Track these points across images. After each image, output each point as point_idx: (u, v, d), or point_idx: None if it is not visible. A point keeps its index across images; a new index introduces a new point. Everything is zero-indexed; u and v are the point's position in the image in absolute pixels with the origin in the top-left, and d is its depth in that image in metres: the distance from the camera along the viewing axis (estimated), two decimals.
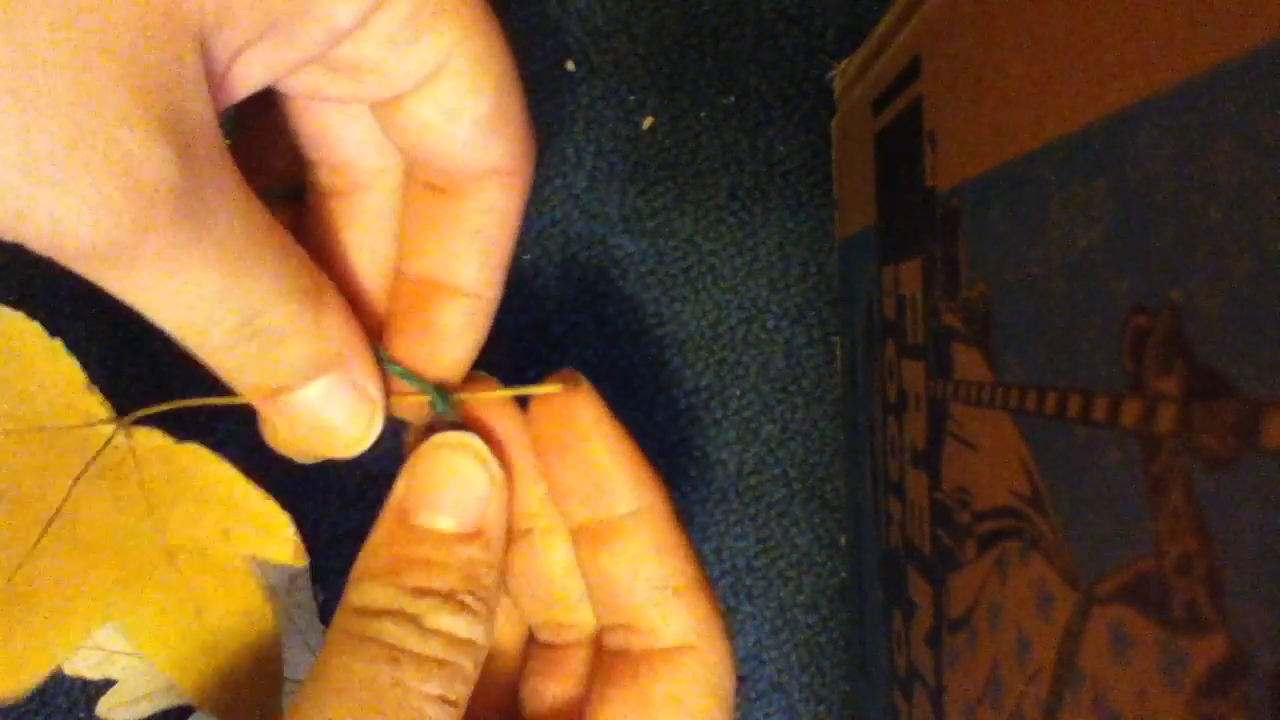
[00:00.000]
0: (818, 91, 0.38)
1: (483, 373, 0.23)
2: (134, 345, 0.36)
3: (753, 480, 0.39)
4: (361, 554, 0.21)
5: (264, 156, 0.22)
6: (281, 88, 0.20)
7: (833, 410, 0.39)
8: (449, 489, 0.21)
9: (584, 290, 0.38)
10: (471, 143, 0.20)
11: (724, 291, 0.38)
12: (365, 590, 0.20)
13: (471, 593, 0.21)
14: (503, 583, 0.23)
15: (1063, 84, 0.18)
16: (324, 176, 0.22)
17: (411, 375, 0.22)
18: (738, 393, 0.38)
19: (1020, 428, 0.20)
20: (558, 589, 0.24)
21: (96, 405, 0.26)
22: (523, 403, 0.23)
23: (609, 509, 0.22)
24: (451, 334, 0.22)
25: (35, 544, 0.27)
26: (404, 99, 0.19)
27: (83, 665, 0.35)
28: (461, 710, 0.20)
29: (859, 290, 0.34)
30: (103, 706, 0.36)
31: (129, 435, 0.27)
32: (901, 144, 0.28)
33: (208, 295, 0.17)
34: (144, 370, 0.37)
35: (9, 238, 0.15)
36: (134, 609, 0.29)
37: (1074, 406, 0.18)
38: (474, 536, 0.21)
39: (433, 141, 0.20)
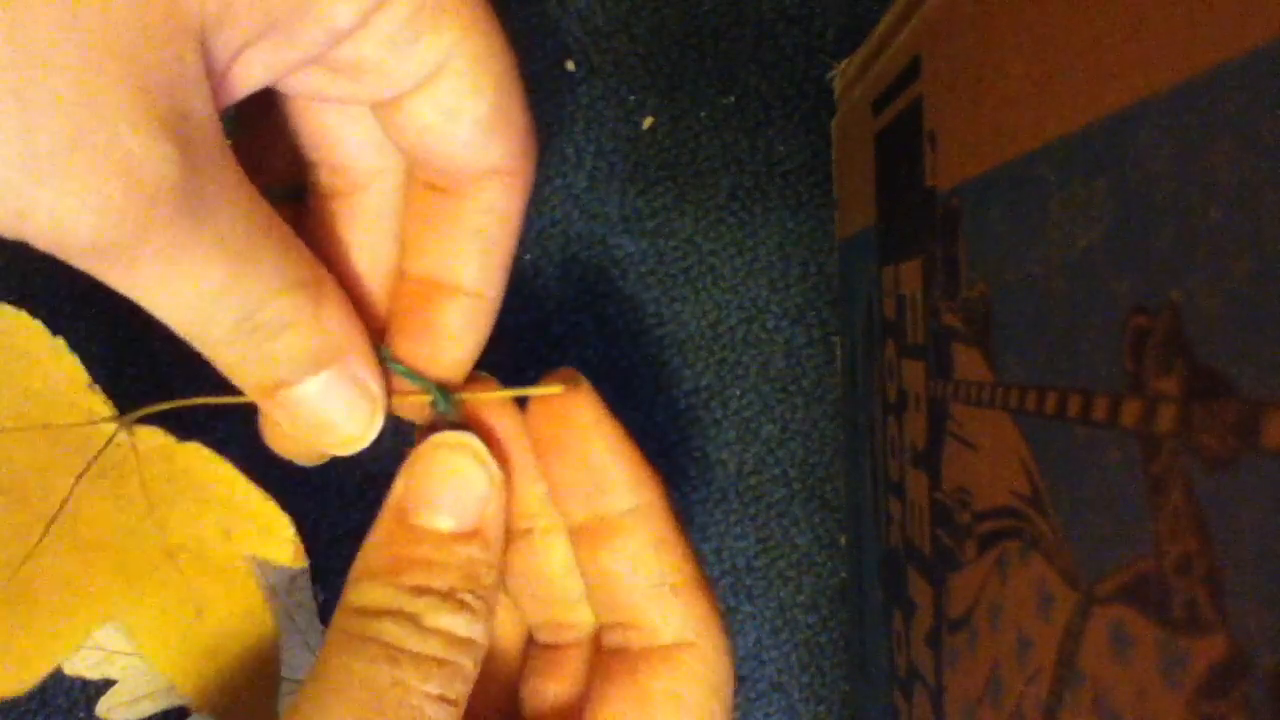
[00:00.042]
0: (818, 91, 0.38)
1: (483, 373, 0.23)
2: (135, 345, 0.36)
3: (753, 480, 0.39)
4: (360, 554, 0.21)
5: (264, 156, 0.22)
6: (282, 88, 0.20)
7: (833, 410, 0.39)
8: (448, 488, 0.21)
9: (584, 290, 0.38)
10: (472, 143, 0.20)
11: (724, 291, 0.38)
12: (364, 590, 0.20)
13: (471, 591, 0.21)
14: (502, 582, 0.23)
15: (1063, 84, 0.18)
16: (324, 177, 0.22)
17: (413, 374, 0.22)
18: (738, 393, 0.38)
19: (1020, 428, 0.20)
20: (557, 588, 0.24)
21: (98, 404, 0.26)
22: (521, 402, 0.23)
23: (608, 507, 0.22)
24: (453, 333, 0.22)
25: (37, 543, 0.27)
26: (404, 99, 0.19)
27: (83, 665, 0.35)
28: (461, 709, 0.20)
29: (859, 290, 0.34)
30: (103, 706, 0.36)
31: (130, 434, 0.27)
32: (901, 144, 0.28)
33: (209, 290, 0.17)
34: (145, 370, 0.37)
35: (11, 235, 0.15)
36: (134, 609, 0.29)
37: (1074, 406, 0.18)
38: (473, 535, 0.21)
39: (433, 141, 0.20)
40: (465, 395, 0.23)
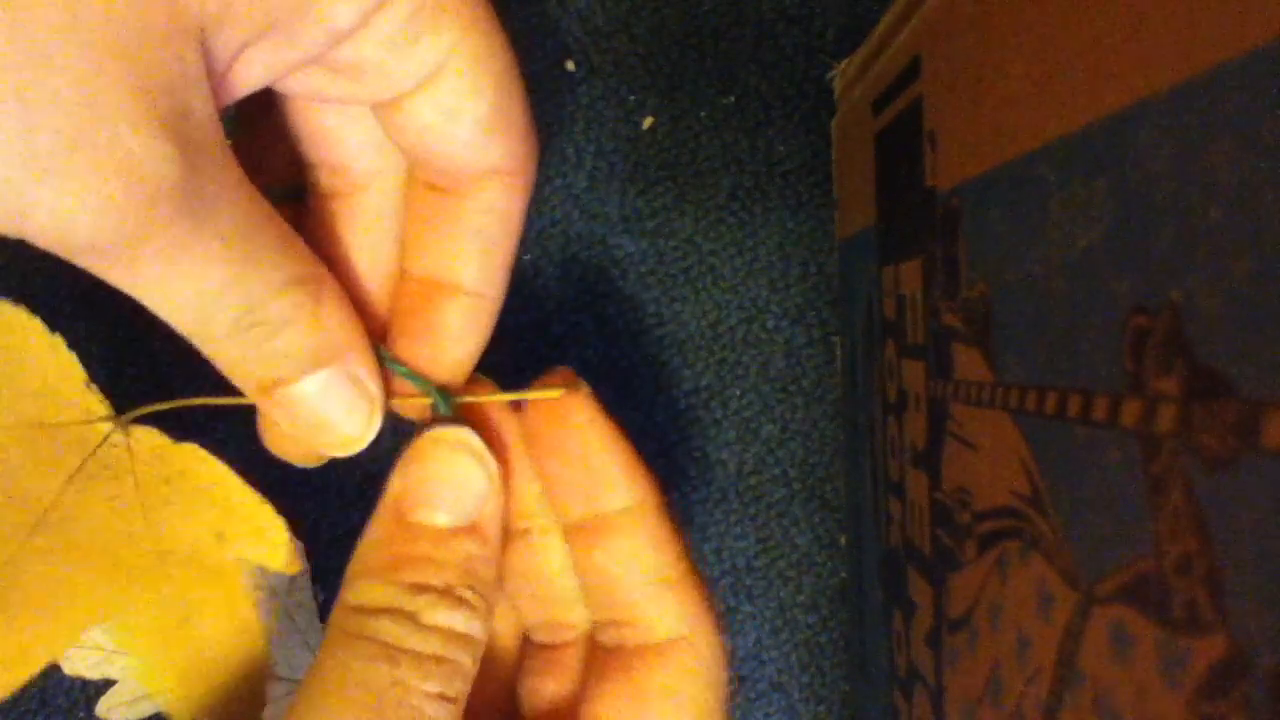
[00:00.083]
0: (818, 91, 0.38)
1: (480, 375, 0.23)
2: (135, 344, 0.36)
3: (753, 480, 0.39)
4: (357, 551, 0.21)
5: (264, 156, 0.22)
6: (282, 88, 0.20)
7: (833, 410, 0.39)
8: (445, 484, 0.21)
9: (584, 290, 0.38)
10: (472, 143, 0.20)
11: (724, 291, 0.38)
12: (362, 588, 0.20)
13: (469, 587, 0.21)
14: (501, 580, 0.23)
15: (1063, 84, 0.18)
16: (324, 178, 0.22)
17: (413, 374, 0.22)
18: (738, 393, 0.38)
19: (1020, 428, 0.20)
20: (555, 588, 0.24)
21: (95, 403, 0.26)
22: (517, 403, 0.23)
23: (602, 505, 0.22)
24: (454, 334, 0.22)
25: (27, 541, 0.27)
26: (404, 99, 0.19)
27: (83, 665, 0.35)
28: (461, 706, 0.20)
29: (859, 290, 0.34)
30: (103, 706, 0.36)
31: (126, 434, 0.27)
32: (901, 144, 0.28)
33: (209, 288, 0.17)
34: (145, 369, 0.37)
35: (12, 234, 0.15)
36: (123, 611, 0.29)
37: (1074, 406, 0.18)
38: (470, 531, 0.21)
39: (433, 142, 0.20)
40: (464, 397, 0.23)
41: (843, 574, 0.39)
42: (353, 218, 0.22)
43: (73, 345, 0.26)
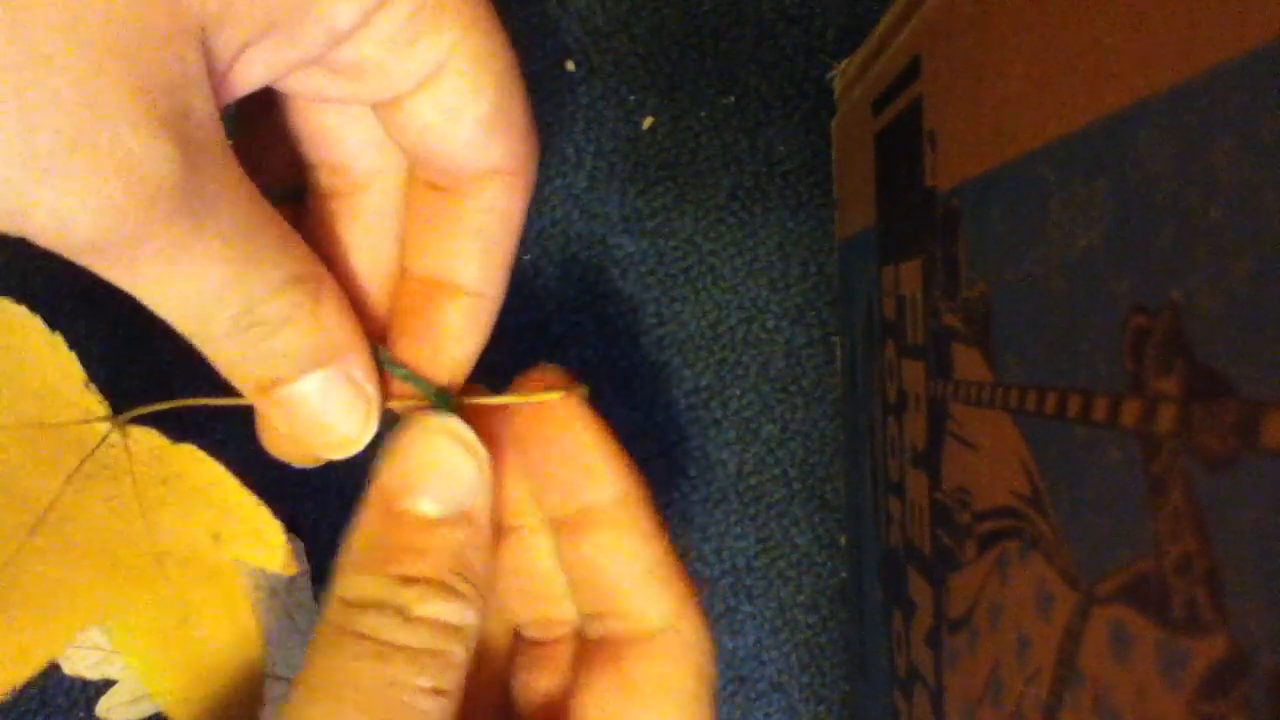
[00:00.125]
0: (818, 91, 0.38)
1: (475, 385, 0.23)
2: (136, 343, 0.36)
3: (753, 480, 0.39)
4: (346, 543, 0.21)
5: (264, 156, 0.22)
6: (282, 87, 0.20)
7: (833, 410, 0.39)
8: (433, 473, 0.21)
9: (584, 290, 0.38)
10: (473, 142, 0.20)
11: (724, 291, 0.38)
12: (350, 581, 0.20)
13: (460, 576, 0.20)
14: (492, 567, 0.23)
15: (1063, 84, 0.18)
16: (324, 178, 0.22)
17: (412, 375, 0.22)
18: (738, 393, 0.38)
19: (1020, 428, 0.20)
20: (546, 585, 0.24)
21: (94, 402, 0.26)
22: None
23: (587, 499, 0.22)
24: (454, 334, 0.22)
25: (25, 541, 0.27)
26: (405, 99, 0.19)
27: (83, 665, 0.35)
28: (456, 697, 0.20)
29: (859, 290, 0.34)
30: (103, 706, 0.36)
31: (124, 434, 0.27)
32: (901, 144, 0.28)
33: (208, 287, 0.17)
34: (145, 369, 0.37)
35: (13, 233, 0.15)
36: (120, 611, 0.29)
37: (1074, 406, 0.18)
38: (460, 520, 0.21)
39: (434, 141, 0.20)
40: (465, 400, 0.22)
41: (843, 574, 0.39)
42: (352, 218, 0.22)
43: (73, 344, 0.26)
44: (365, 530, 0.21)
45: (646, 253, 0.38)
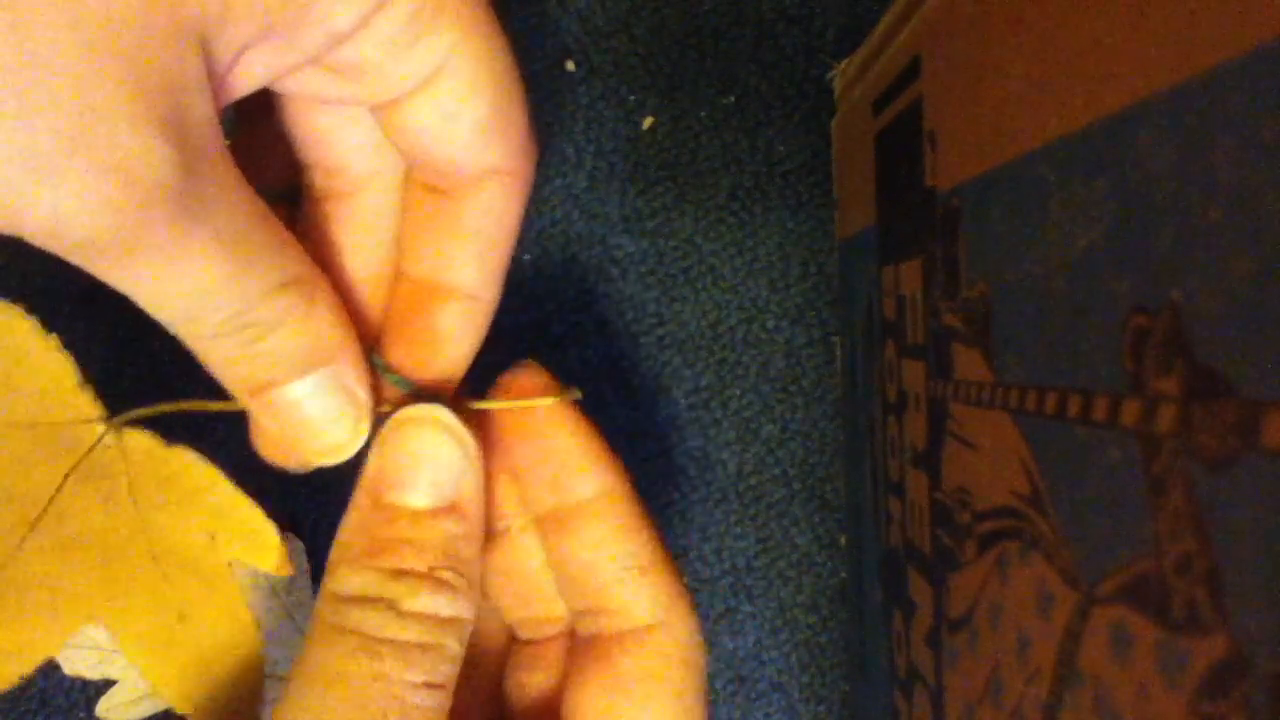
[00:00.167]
0: (818, 91, 0.38)
1: (462, 397, 0.23)
2: (135, 345, 0.36)
3: (753, 480, 0.39)
4: (337, 538, 0.21)
5: (260, 158, 0.22)
6: (280, 88, 0.20)
7: (833, 410, 0.39)
8: (420, 464, 0.21)
9: (584, 290, 0.38)
10: (471, 144, 0.20)
11: (724, 291, 0.38)
12: (342, 576, 0.20)
13: (451, 568, 0.20)
14: (483, 559, 0.23)
15: (1063, 84, 0.18)
16: (319, 179, 0.22)
17: (405, 381, 0.22)
18: (738, 393, 0.38)
19: (1020, 428, 0.20)
20: (536, 585, 0.24)
21: (88, 404, 0.26)
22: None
23: (571, 495, 0.22)
24: (449, 336, 0.22)
25: (20, 542, 0.27)
26: (403, 101, 0.19)
27: (83, 665, 0.35)
28: (450, 690, 0.20)
29: (859, 290, 0.34)
30: (103, 706, 0.36)
31: (119, 436, 0.27)
32: (901, 144, 0.28)
33: (202, 288, 0.17)
34: (145, 370, 0.37)
35: (9, 231, 0.15)
36: (117, 611, 0.29)
37: (1074, 406, 0.18)
38: (450, 511, 0.21)
39: (432, 143, 0.20)
40: (457, 404, 0.22)
41: (843, 574, 0.39)
42: (347, 220, 0.22)
43: (70, 346, 0.26)
44: (354, 524, 0.21)
45: (646, 253, 0.38)
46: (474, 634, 0.21)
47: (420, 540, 0.20)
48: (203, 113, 0.16)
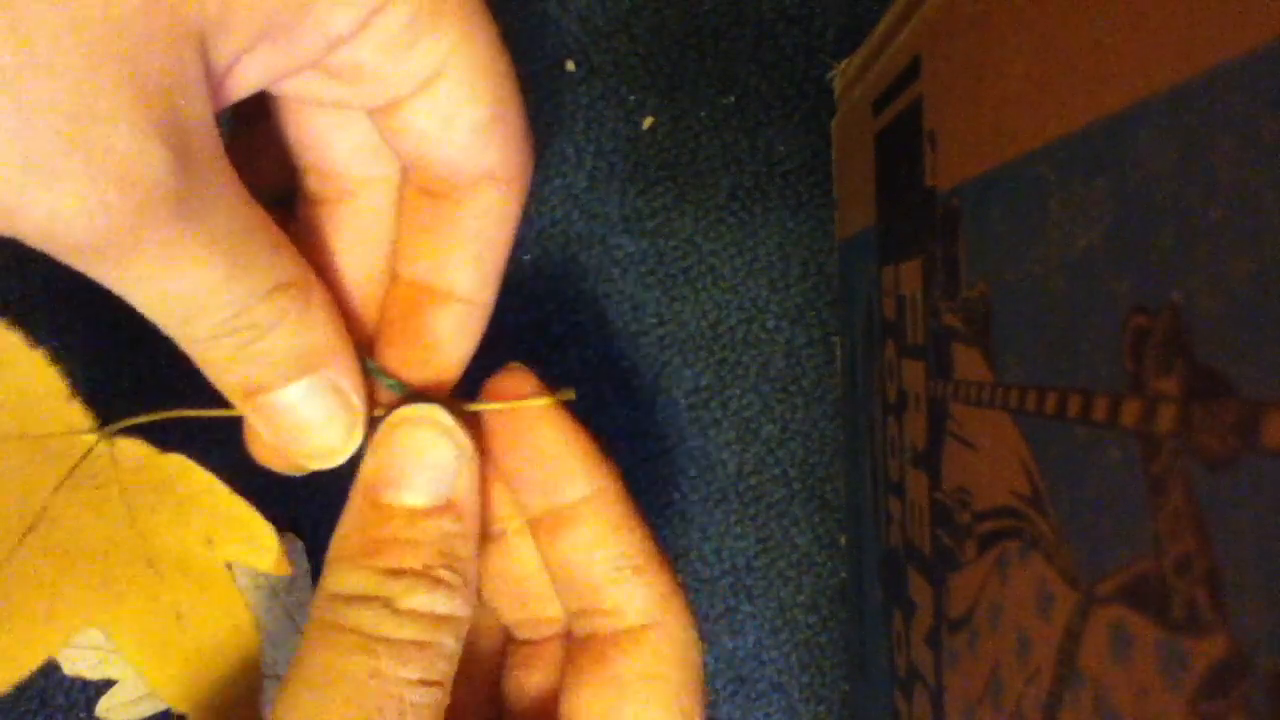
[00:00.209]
0: (818, 91, 0.38)
1: (455, 399, 0.23)
2: (134, 348, 0.36)
3: (753, 480, 0.39)
4: (334, 538, 0.21)
5: (256, 160, 0.22)
6: (277, 91, 0.20)
7: (833, 410, 0.39)
8: (415, 463, 0.21)
9: (584, 290, 0.38)
10: (468, 148, 0.20)
11: (724, 291, 0.38)
12: (338, 575, 0.20)
13: (447, 566, 0.20)
14: (479, 558, 0.23)
15: (1063, 84, 0.18)
16: (315, 182, 0.22)
17: (400, 385, 0.22)
18: (738, 393, 0.38)
19: (1020, 428, 0.20)
20: (533, 586, 0.24)
21: (78, 415, 0.26)
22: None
23: (563, 496, 0.22)
24: (445, 339, 0.22)
25: (13, 550, 0.27)
26: (401, 104, 0.19)
27: (83, 665, 0.35)
28: (447, 688, 0.20)
29: (859, 290, 0.34)
30: (103, 706, 0.36)
31: (111, 445, 0.27)
32: (901, 144, 0.28)
33: (197, 290, 0.17)
34: (143, 373, 0.37)
35: (6, 233, 0.15)
36: (114, 613, 0.29)
37: (1074, 406, 0.18)
38: (445, 509, 0.21)
39: (429, 147, 0.20)
40: (452, 407, 0.22)
41: (843, 574, 0.39)
42: (341, 224, 0.22)
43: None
44: (351, 524, 0.21)
45: (646, 253, 0.38)
46: (470, 634, 0.21)
47: (416, 539, 0.20)
48: (200, 116, 0.16)
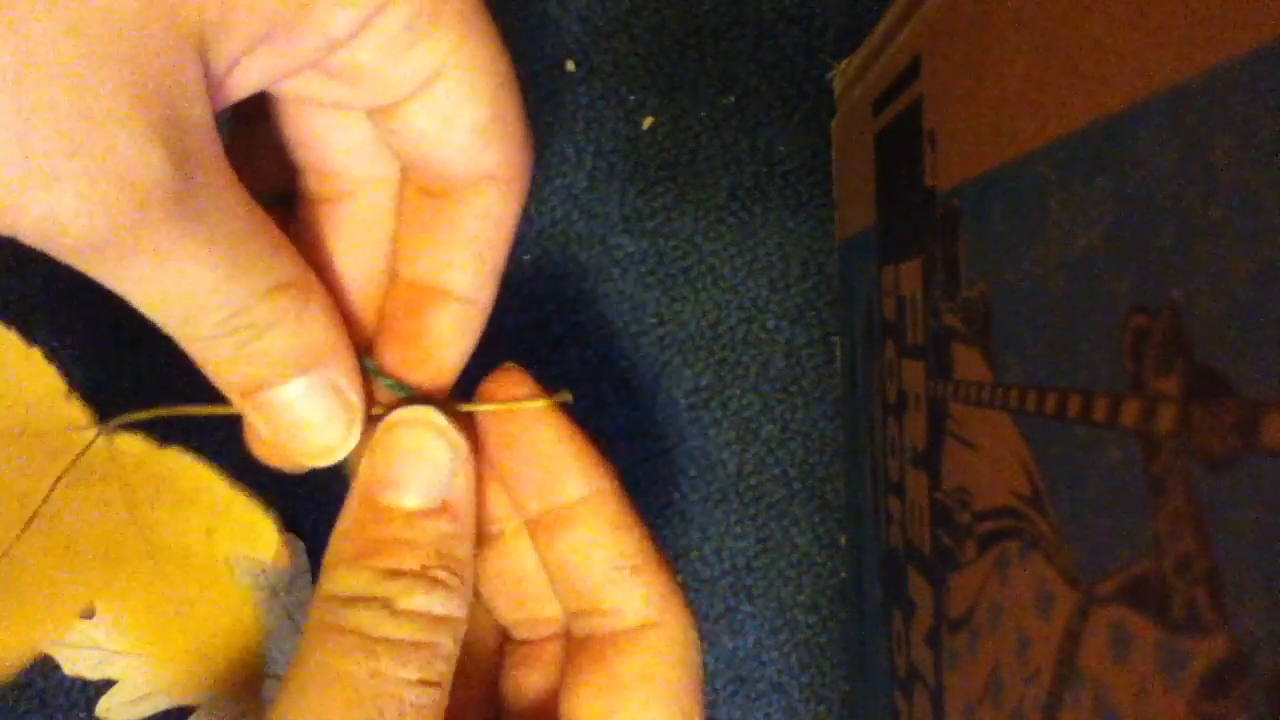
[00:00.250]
0: (818, 91, 0.38)
1: (453, 400, 0.23)
2: (135, 347, 0.36)
3: (753, 480, 0.39)
4: (331, 540, 0.21)
5: (256, 159, 0.22)
6: (276, 91, 0.20)
7: (833, 410, 0.39)
8: (411, 465, 0.21)
9: (584, 290, 0.38)
10: (468, 149, 0.20)
11: (724, 291, 0.38)
12: (337, 577, 0.20)
13: (444, 567, 0.20)
14: (476, 559, 0.23)
15: (1063, 84, 0.18)
16: (314, 182, 0.22)
17: (398, 384, 0.22)
18: (738, 393, 0.38)
19: (1020, 428, 0.20)
20: (531, 586, 0.24)
21: (77, 411, 0.26)
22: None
23: (560, 496, 0.22)
24: (444, 339, 0.22)
25: (14, 542, 0.27)
26: (400, 105, 0.19)
27: (83, 665, 0.35)
28: (445, 689, 0.20)
29: (859, 290, 0.34)
30: (103, 706, 0.36)
31: (110, 440, 0.27)
32: (901, 144, 0.28)
33: (196, 290, 0.17)
34: (143, 372, 0.37)
35: (5, 232, 0.15)
36: (118, 601, 0.29)
37: (1074, 406, 0.18)
38: (441, 511, 0.21)
39: (429, 148, 0.20)
40: (450, 407, 0.22)
41: (843, 574, 0.39)
42: (340, 224, 0.22)
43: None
44: (348, 526, 0.21)
45: (646, 253, 0.38)
46: (467, 634, 0.21)
47: (413, 540, 0.20)
48: (200, 117, 0.16)
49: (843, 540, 0.39)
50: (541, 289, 0.38)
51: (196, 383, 0.20)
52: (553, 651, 0.24)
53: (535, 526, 0.23)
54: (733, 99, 0.38)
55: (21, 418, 0.26)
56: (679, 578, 0.23)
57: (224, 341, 0.18)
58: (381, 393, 0.22)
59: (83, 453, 0.26)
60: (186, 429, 0.28)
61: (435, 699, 0.20)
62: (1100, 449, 0.17)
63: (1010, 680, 0.21)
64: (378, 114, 0.20)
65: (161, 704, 0.36)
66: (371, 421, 0.21)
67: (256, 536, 0.28)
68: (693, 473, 0.39)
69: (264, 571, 0.30)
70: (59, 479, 0.26)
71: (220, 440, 0.28)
